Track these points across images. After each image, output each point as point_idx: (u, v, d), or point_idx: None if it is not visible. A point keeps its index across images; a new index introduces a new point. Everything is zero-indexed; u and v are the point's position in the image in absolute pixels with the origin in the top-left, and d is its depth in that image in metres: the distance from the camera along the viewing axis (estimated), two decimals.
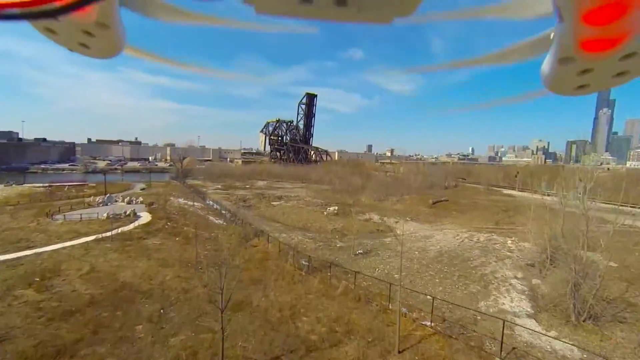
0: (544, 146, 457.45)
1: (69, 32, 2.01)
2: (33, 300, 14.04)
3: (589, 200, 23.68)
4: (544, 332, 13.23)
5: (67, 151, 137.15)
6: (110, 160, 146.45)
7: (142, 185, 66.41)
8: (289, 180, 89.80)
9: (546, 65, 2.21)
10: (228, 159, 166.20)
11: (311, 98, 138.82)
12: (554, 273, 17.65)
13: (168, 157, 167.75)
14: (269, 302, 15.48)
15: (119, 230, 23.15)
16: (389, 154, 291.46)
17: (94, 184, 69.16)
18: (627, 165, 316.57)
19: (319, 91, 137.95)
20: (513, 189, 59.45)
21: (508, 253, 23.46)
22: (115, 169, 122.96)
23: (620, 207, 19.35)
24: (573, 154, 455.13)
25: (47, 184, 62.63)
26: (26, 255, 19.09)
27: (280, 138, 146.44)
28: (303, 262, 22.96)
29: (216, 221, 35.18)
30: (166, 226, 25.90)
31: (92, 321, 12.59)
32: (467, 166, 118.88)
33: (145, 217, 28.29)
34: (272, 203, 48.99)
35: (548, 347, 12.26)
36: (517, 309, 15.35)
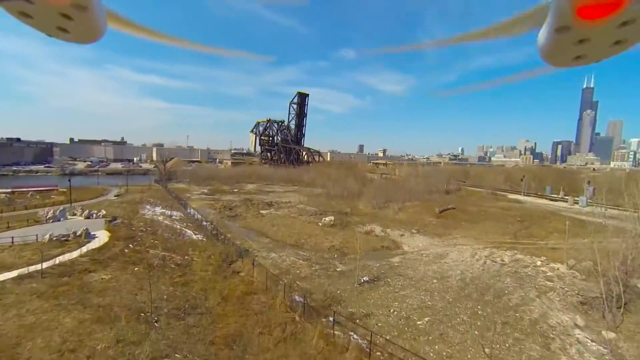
0: (531, 146, 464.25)
1: (45, 16, 1.97)
2: None
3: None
4: None
5: (43, 152, 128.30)
6: (92, 162, 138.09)
7: (119, 191, 60.19)
8: (280, 183, 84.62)
9: (542, 35, 2.19)
10: (217, 160, 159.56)
11: (303, 97, 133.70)
12: (629, 319, 13.33)
13: (154, 158, 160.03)
14: None
15: (57, 260, 17.70)
16: (381, 154, 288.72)
17: (65, 189, 62.54)
18: (611, 165, 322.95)
19: (311, 91, 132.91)
20: (518, 193, 55.83)
21: (548, 282, 19.11)
22: (95, 171, 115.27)
23: None
24: (559, 154, 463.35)
25: (9, 190, 55.78)
26: None
27: (271, 138, 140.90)
28: (297, 297, 18.10)
29: (194, 236, 29.88)
30: (125, 250, 20.57)
31: None
32: (464, 167, 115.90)
33: (101, 237, 22.63)
34: (261, 211, 43.83)
35: None
36: None
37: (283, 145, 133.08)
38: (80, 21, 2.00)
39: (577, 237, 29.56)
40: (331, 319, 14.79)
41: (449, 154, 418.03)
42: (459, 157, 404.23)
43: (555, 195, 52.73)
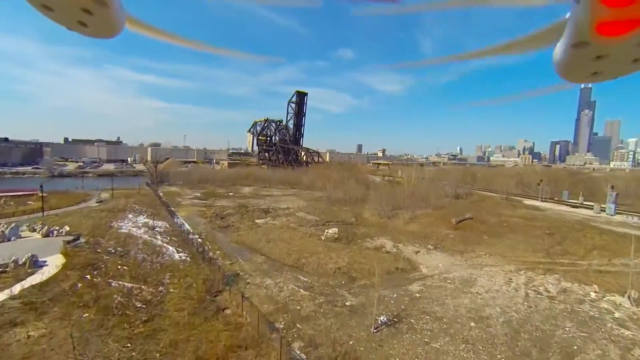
0: (530, 146, 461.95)
1: (67, 10, 2.04)
2: None
3: None
4: None
5: (33, 152, 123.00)
6: (83, 162, 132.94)
7: (104, 195, 55.48)
8: (278, 185, 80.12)
9: (559, 50, 2.14)
10: (214, 161, 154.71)
11: (301, 96, 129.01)
12: None
13: (149, 159, 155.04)
14: None
15: None
16: (380, 154, 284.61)
17: (46, 193, 57.71)
18: (611, 165, 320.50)
19: (310, 91, 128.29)
20: (533, 198, 51.60)
21: (623, 330, 14.74)
22: (86, 172, 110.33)
23: None
24: (557, 153, 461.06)
25: None
26: None
27: (269, 138, 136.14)
28: (297, 352, 13.73)
29: (177, 255, 25.35)
30: (79, 284, 15.99)
31: None
32: (469, 169, 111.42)
33: (51, 265, 18.04)
34: (257, 221, 39.30)
35: None
36: None
37: (281, 145, 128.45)
38: (99, 16, 2.07)
39: (621, 255, 25.34)
40: None
41: (447, 153, 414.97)
42: (458, 157, 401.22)
43: (574, 201, 48.56)
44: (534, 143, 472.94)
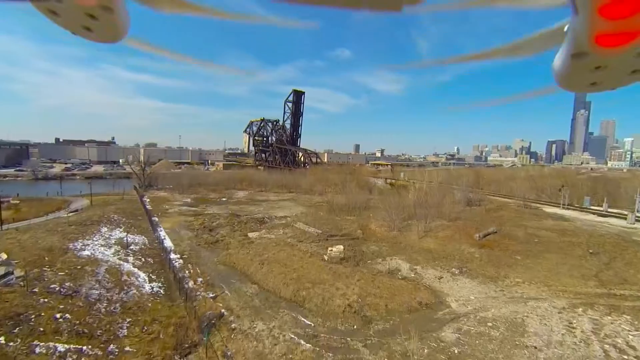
0: (526, 146, 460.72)
1: (72, 14, 2.01)
2: None
3: None
4: None
5: (18, 154, 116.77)
6: (72, 164, 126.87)
7: (82, 203, 50.11)
8: (275, 189, 75.05)
9: (558, 60, 2.15)
10: (209, 162, 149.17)
11: (299, 95, 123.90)
12: None
13: (141, 160, 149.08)
14: None
15: None
16: (379, 154, 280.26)
17: (21, 200, 52.22)
18: (609, 165, 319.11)
19: (307, 91, 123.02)
20: (553, 204, 47.06)
21: None
22: (73, 174, 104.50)
23: None
24: (553, 153, 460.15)
25: None
26: None
27: (265, 139, 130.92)
28: None
29: (146, 287, 20.31)
30: None
31: None
32: (477, 170, 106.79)
33: None
34: (250, 235, 34.27)
35: None
36: None
37: (278, 146, 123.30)
38: (104, 21, 2.09)
39: None
40: None
41: (445, 153, 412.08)
42: (456, 157, 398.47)
43: (598, 208, 44.08)
44: (530, 143, 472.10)
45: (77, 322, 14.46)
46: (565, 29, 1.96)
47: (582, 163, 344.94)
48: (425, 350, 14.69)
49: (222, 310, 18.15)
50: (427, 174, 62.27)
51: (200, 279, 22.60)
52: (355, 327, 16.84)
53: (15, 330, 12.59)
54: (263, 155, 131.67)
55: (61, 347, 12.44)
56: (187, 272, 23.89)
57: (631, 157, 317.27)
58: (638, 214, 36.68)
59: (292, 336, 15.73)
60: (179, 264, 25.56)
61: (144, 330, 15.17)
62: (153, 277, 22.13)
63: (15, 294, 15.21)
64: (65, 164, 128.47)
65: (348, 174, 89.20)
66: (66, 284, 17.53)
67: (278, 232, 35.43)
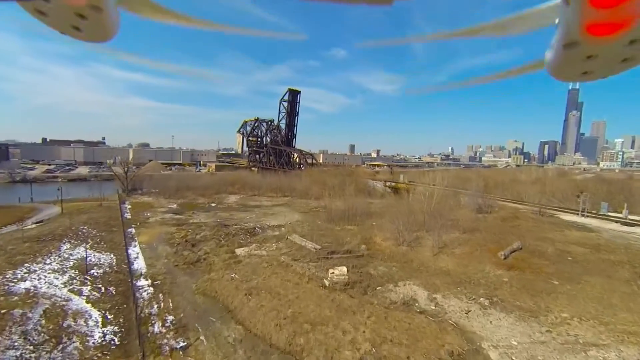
0: (519, 146, 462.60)
1: (61, 14, 1.96)
2: None
3: None
4: None
5: None
6: (56, 165, 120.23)
7: (53, 211, 44.67)
8: (269, 193, 70.24)
9: (550, 50, 2.19)
10: (200, 163, 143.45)
11: (294, 94, 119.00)
12: None
13: (130, 160, 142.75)
14: None
15: None
16: (374, 154, 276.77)
17: None
18: (601, 165, 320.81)
19: (302, 90, 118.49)
20: (570, 211, 43.21)
21: None
22: (54, 177, 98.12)
23: None
24: (546, 154, 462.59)
25: None
26: None
27: (259, 139, 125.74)
28: None
29: (96, 334, 15.54)
30: None
31: None
32: (477, 171, 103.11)
33: None
34: (237, 251, 29.55)
35: None
36: None
37: (272, 146, 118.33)
38: (93, 21, 2.03)
39: None
40: None
41: (440, 154, 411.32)
42: (451, 157, 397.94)
43: (618, 215, 40.38)
44: (523, 143, 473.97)
45: None
46: (557, 20, 1.97)
47: (574, 163, 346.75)
48: None
49: None
50: (430, 177, 58.03)
51: (170, 318, 17.87)
52: None
53: None
54: (257, 156, 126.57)
55: None
56: (155, 306, 19.15)
57: (622, 157, 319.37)
58: None
59: None
60: (148, 293, 20.79)
61: None
62: (109, 317, 17.33)
63: None
64: (49, 165, 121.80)
65: (346, 176, 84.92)
66: None
67: (270, 248, 30.77)
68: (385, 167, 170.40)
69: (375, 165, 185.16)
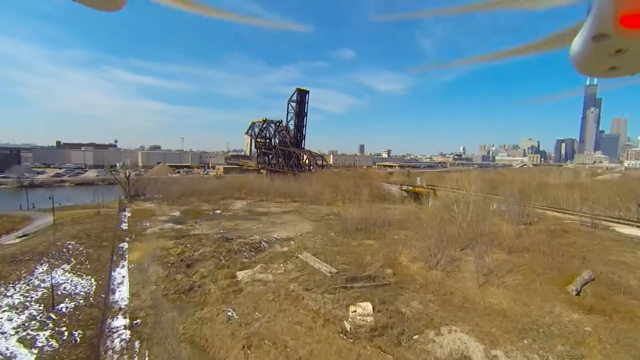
0: (535, 145, 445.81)
1: None
2: None
3: None
4: None
5: (8, 159, 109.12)
6: (66, 169, 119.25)
7: (46, 220, 41.13)
8: (277, 198, 65.67)
9: (577, 43, 2.11)
10: (209, 165, 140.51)
11: (303, 94, 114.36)
12: None
13: (139, 164, 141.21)
14: None
15: None
16: (385, 155, 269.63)
17: None
18: (625, 164, 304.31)
19: (310, 91, 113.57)
20: (625, 222, 36.79)
21: None
22: (62, 181, 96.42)
23: None
24: (562, 152, 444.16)
25: None
26: None
27: (268, 141, 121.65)
28: None
29: None
30: None
31: None
32: (499, 172, 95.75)
33: None
34: (239, 275, 24.89)
35: None
36: None
37: (281, 148, 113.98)
38: None
39: None
40: None
41: (452, 153, 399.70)
42: (463, 157, 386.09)
43: None
44: (538, 142, 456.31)
45: None
46: (587, 11, 1.90)
47: (594, 162, 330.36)
48: None
49: None
50: (455, 179, 52.08)
51: None
52: None
53: None
54: (266, 157, 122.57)
55: None
56: None
57: None
58: None
59: None
60: (121, 340, 16.29)
61: None
62: None
63: None
64: (60, 168, 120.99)
65: (358, 179, 79.66)
66: None
67: (278, 270, 25.98)
68: (397, 167, 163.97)
69: (387, 165, 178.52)
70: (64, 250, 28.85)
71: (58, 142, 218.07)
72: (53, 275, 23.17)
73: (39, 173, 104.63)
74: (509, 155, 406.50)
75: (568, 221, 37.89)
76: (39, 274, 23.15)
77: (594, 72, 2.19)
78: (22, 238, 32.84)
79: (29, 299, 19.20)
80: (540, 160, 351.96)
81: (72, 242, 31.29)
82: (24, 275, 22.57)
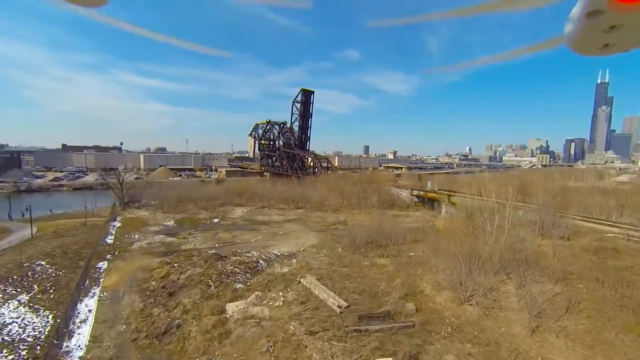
0: (542, 145, 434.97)
1: None
2: None
3: None
4: None
5: (8, 162, 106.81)
6: (68, 172, 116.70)
7: (24, 233, 37.31)
8: (280, 204, 61.27)
9: (571, 20, 2.14)
10: (211, 168, 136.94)
11: (307, 95, 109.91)
12: None
13: (141, 167, 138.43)
14: None
15: None
16: (391, 156, 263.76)
17: None
18: None
19: (315, 92, 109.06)
20: None
21: None
22: (60, 185, 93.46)
23: None
24: (572, 152, 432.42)
25: None
26: None
27: (271, 142, 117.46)
28: None
29: None
30: None
31: None
32: (519, 177, 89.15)
33: None
34: (228, 309, 20.43)
35: None
36: None
37: (285, 150, 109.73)
38: None
39: None
40: None
41: (458, 154, 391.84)
42: (469, 157, 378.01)
43: None
44: (547, 141, 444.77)
45: None
46: None
47: (606, 162, 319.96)
48: None
49: None
50: (474, 184, 46.92)
51: None
52: None
53: None
54: (269, 160, 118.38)
55: None
56: None
57: None
58: None
59: None
60: None
61: None
62: None
63: None
64: (61, 172, 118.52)
65: (366, 183, 74.87)
66: None
67: (276, 301, 21.46)
68: (404, 169, 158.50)
69: (392, 167, 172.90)
70: (30, 273, 24.77)
71: (64, 145, 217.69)
72: (5, 309, 19.04)
73: (38, 177, 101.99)
74: (516, 156, 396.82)
75: (610, 235, 32.71)
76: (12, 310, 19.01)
77: (587, 49, 2.13)
78: None
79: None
80: (550, 160, 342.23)
81: (42, 263, 27.23)
82: None
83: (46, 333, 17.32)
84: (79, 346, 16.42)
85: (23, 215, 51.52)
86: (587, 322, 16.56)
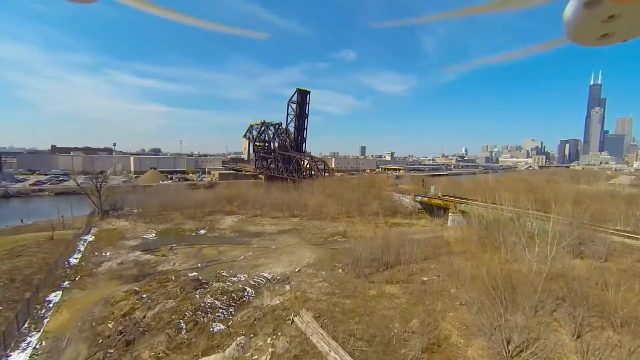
0: (537, 146, 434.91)
1: None
2: None
3: None
4: None
5: None
6: (52, 175, 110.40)
7: None
8: (274, 212, 56.31)
9: (570, 9, 2.01)
10: (204, 170, 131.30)
11: (303, 95, 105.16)
12: None
13: (132, 169, 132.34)
14: None
15: None
16: (388, 157, 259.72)
17: None
18: (635, 165, 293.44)
19: (311, 92, 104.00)
20: None
21: None
22: (41, 190, 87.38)
23: None
24: (566, 153, 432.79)
25: None
26: None
27: (266, 144, 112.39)
28: None
29: None
30: None
31: None
32: (525, 180, 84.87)
33: None
34: None
35: None
36: None
37: (280, 152, 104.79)
38: None
39: None
40: None
41: (454, 155, 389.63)
42: (466, 158, 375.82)
43: None
44: (541, 142, 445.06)
45: None
46: None
47: (600, 163, 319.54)
48: None
49: None
50: (487, 191, 42.22)
51: None
52: None
53: None
54: (264, 162, 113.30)
55: None
56: None
57: None
58: None
59: None
60: None
61: None
62: None
63: None
64: (45, 175, 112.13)
65: (366, 187, 70.23)
66: None
67: (262, 354, 16.54)
68: (402, 171, 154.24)
69: (391, 169, 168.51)
70: None
71: (53, 147, 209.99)
72: None
73: (18, 181, 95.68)
74: (512, 157, 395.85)
75: None
76: None
77: (586, 39, 2.09)
78: None
79: None
80: (546, 161, 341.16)
81: None
82: None
83: None
84: None
85: None
86: None
